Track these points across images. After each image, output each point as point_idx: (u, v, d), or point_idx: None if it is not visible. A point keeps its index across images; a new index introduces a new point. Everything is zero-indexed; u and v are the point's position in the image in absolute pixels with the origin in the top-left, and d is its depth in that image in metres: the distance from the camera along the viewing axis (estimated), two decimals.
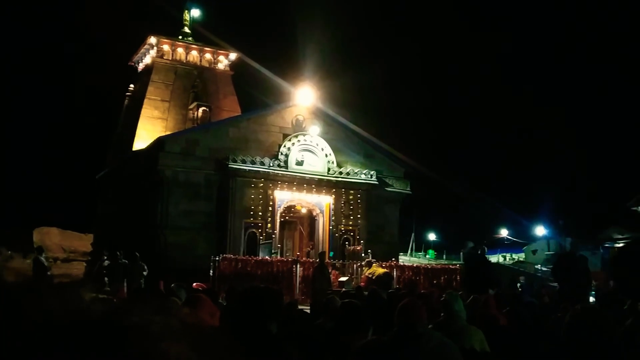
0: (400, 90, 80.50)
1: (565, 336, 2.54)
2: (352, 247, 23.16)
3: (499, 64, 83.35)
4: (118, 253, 17.20)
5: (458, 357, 3.37)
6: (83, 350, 0.56)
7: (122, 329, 0.59)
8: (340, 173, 24.33)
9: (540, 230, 43.80)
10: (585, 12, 73.95)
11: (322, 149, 24.30)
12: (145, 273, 16.88)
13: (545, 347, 5.45)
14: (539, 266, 36.05)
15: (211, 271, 18.35)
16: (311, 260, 19.63)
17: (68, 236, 36.32)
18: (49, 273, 17.23)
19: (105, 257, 17.25)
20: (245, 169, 22.48)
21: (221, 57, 33.90)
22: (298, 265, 18.79)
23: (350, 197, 24.51)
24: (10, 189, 46.12)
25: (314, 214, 24.69)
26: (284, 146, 23.78)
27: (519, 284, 19.08)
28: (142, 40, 32.97)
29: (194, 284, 13.04)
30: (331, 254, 21.99)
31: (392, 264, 20.53)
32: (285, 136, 24.19)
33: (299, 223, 26.47)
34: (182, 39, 33.41)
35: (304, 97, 24.94)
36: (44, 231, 35.40)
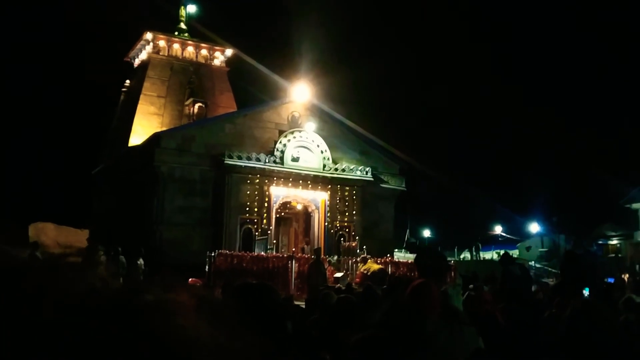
0: (396, 87, 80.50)
1: (567, 330, 2.55)
2: (347, 243, 23.21)
3: (495, 62, 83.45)
4: (119, 249, 17.17)
5: (469, 352, 3.23)
6: (99, 329, 0.58)
7: (136, 306, 0.62)
8: (336, 169, 24.36)
9: (534, 227, 43.95)
10: (585, 9, 74.09)
11: (318, 146, 24.33)
12: (140, 265, 16.86)
13: (539, 342, 5.50)
14: (532, 263, 36.16)
15: (207, 267, 18.35)
16: (306, 256, 19.67)
17: (64, 231, 36.10)
18: None
19: (102, 253, 17.21)
20: (241, 165, 22.49)
21: (217, 53, 33.88)
22: (293, 261, 18.82)
23: (346, 193, 24.55)
24: (6, 184, 45.96)
25: (310, 210, 24.71)
26: (280, 142, 23.79)
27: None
28: (138, 36, 32.92)
29: (190, 280, 13.07)
30: (335, 257, 21.91)
31: (387, 260, 20.58)
32: (281, 132, 24.20)
33: (294, 219, 26.50)
34: (178, 35, 33.36)
35: (300, 93, 24.96)
36: (39, 226, 35.17)
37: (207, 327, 0.61)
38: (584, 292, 11.18)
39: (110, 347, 0.57)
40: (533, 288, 12.05)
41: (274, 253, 20.86)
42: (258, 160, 22.84)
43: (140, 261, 17.00)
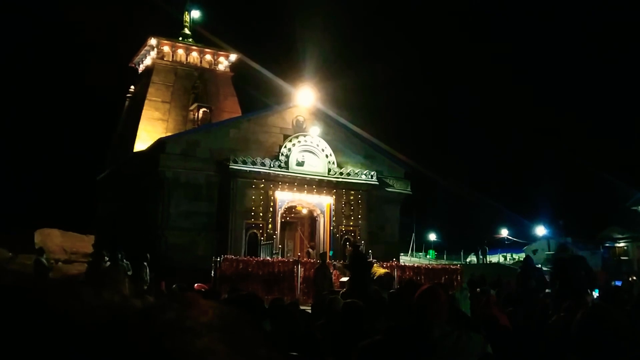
0: (401, 90, 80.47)
1: (578, 335, 2.50)
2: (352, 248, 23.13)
3: (498, 65, 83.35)
4: (123, 253, 17.16)
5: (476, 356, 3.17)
6: (124, 346, 0.56)
7: (159, 325, 0.60)
8: (341, 174, 24.34)
9: (540, 230, 43.81)
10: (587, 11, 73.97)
11: (323, 150, 24.31)
12: (147, 270, 16.84)
13: (544, 347, 5.44)
14: (539, 266, 36.00)
15: (212, 272, 18.34)
16: (312, 260, 19.63)
17: (69, 237, 36.22)
18: (50, 274, 17.20)
19: (107, 259, 17.21)
20: (246, 170, 22.50)
21: (221, 59, 33.93)
22: (299, 266, 18.78)
23: (351, 197, 24.52)
24: (12, 190, 46.12)
25: (315, 214, 24.69)
26: (285, 147, 23.79)
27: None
28: (143, 42, 33.01)
29: (195, 285, 13.06)
30: (331, 252, 21.98)
31: (393, 264, 20.52)
32: (285, 137, 24.20)
33: (299, 224, 26.47)
34: (182, 40, 33.43)
35: (305, 98, 24.96)
36: (45, 232, 35.30)
37: (224, 347, 0.60)
38: (594, 293, 11.08)
39: None
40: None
41: (280, 258, 20.84)
42: (263, 164, 22.84)
43: (146, 267, 16.96)
